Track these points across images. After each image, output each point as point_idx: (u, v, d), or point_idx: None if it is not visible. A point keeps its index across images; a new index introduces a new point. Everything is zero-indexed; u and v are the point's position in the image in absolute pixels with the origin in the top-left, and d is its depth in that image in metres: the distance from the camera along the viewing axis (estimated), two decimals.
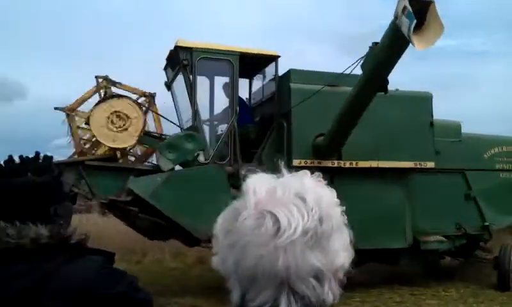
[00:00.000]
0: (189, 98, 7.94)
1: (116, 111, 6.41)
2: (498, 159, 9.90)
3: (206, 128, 8.51)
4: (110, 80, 7.12)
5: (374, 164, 8.30)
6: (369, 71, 6.22)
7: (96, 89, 7.15)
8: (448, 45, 43.32)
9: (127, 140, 6.26)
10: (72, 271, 1.38)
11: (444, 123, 9.83)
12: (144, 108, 7.18)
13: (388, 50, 5.75)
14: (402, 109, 8.57)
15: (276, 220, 0.92)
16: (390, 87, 8.78)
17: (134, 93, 7.47)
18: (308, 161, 7.96)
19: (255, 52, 8.43)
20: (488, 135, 10.31)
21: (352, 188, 8.17)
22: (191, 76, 7.89)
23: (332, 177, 8.07)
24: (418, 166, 8.58)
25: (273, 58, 8.58)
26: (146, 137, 6.52)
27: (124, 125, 6.34)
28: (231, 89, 8.23)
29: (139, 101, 7.39)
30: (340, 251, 0.97)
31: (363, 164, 8.26)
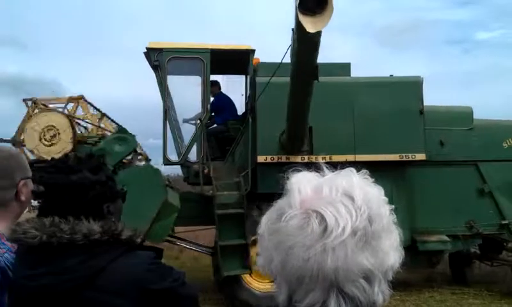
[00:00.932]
0: (162, 98, 8.09)
1: (45, 127, 6.74)
2: None
3: (185, 127, 8.61)
4: (36, 100, 7.46)
5: (350, 157, 7.71)
6: (292, 58, 5.83)
7: (29, 113, 7.52)
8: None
9: (64, 147, 6.54)
10: (122, 266, 1.42)
11: (451, 109, 8.87)
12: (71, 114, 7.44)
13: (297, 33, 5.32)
14: (387, 96, 7.87)
15: (323, 220, 0.90)
16: (385, 73, 8.16)
17: (61, 102, 7.77)
18: (275, 157, 7.65)
19: (227, 48, 8.30)
20: (509, 120, 9.05)
21: None
22: (162, 76, 8.03)
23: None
24: (405, 159, 7.81)
25: (248, 52, 8.38)
26: (79, 145, 6.74)
27: (56, 135, 6.65)
28: (202, 87, 8.20)
29: (70, 106, 7.69)
30: (390, 251, 0.95)
31: (337, 158, 7.70)
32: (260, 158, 7.62)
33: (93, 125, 7.89)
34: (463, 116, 8.64)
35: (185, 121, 8.65)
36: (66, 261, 1.38)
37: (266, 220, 1.00)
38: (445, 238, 8.18)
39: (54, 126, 6.64)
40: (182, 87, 8.58)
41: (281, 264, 0.94)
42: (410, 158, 7.79)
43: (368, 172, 1.01)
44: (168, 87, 8.07)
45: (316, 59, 5.75)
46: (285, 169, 1.03)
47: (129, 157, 7.20)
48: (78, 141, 6.79)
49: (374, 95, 7.86)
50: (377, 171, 6.33)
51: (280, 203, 0.99)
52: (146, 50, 8.12)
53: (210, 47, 8.18)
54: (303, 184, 0.97)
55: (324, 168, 1.02)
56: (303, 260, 0.90)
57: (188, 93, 8.64)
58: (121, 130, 7.37)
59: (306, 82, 6.09)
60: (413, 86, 7.99)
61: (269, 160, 7.63)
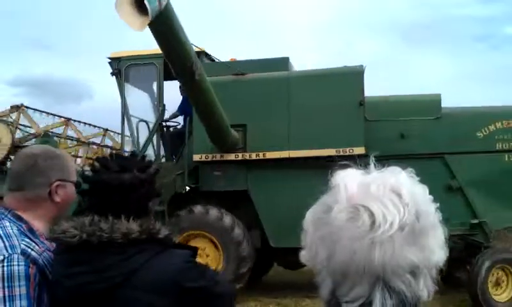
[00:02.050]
0: (121, 103, 8.71)
1: None
2: (500, 137, 7.58)
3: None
4: None
5: (284, 154, 7.54)
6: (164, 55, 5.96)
7: None
8: None
9: (3, 151, 7.45)
10: (159, 264, 1.45)
11: (416, 98, 8.12)
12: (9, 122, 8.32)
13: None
14: (324, 89, 7.53)
15: (371, 214, 0.93)
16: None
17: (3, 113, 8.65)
18: (210, 155, 7.79)
19: None
20: (485, 107, 7.98)
21: (271, 182, 7.73)
22: (121, 83, 8.65)
23: (248, 171, 7.79)
24: (342, 153, 7.36)
25: (198, 55, 8.58)
26: (16, 148, 7.58)
27: None
28: (157, 91, 8.64)
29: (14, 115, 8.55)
30: (436, 248, 0.97)
31: (271, 155, 7.61)
32: (196, 157, 7.84)
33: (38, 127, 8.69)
34: (429, 105, 7.86)
35: (168, 120, 9.02)
36: (105, 259, 1.42)
37: (311, 215, 1.03)
38: None
39: None
40: (139, 92, 9.09)
41: (327, 257, 0.96)
42: (348, 153, 7.33)
43: (413, 170, 1.03)
44: (125, 93, 8.64)
45: (187, 57, 5.79)
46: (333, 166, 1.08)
47: None
48: (16, 146, 7.70)
49: (311, 89, 7.58)
50: (319, 166, 6.18)
51: (325, 199, 1.02)
52: (109, 60, 8.82)
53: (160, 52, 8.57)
54: (349, 180, 0.99)
55: (372, 166, 1.04)
56: (349, 253, 0.92)
57: (145, 97, 9.14)
58: (45, 135, 8.15)
59: (189, 81, 6.17)
60: (353, 77, 7.51)
61: (203, 158, 7.81)
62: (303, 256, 1.03)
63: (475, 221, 7.47)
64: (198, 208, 7.46)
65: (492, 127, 7.60)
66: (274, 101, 7.63)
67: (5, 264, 1.48)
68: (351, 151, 7.36)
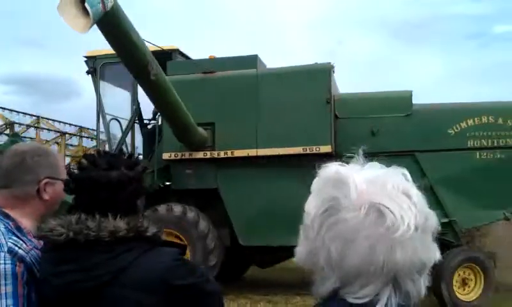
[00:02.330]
0: (96, 101, 8.79)
1: None
2: (472, 134, 7.45)
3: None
4: None
5: (252, 152, 7.53)
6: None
7: None
8: None
9: None
10: (148, 262, 1.44)
11: (387, 95, 8.02)
12: None
13: None
14: (291, 87, 7.48)
15: (389, 215, 0.93)
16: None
17: None
18: (179, 154, 7.81)
19: (153, 49, 8.63)
20: (457, 104, 7.84)
21: (240, 180, 7.73)
22: (97, 81, 8.73)
23: (217, 169, 7.79)
24: (309, 152, 7.32)
25: (170, 53, 8.60)
26: None
27: None
28: (132, 89, 8.69)
29: None
30: (433, 246, 0.99)
31: (239, 153, 7.60)
32: (165, 155, 7.87)
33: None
34: (399, 102, 7.77)
35: (151, 119, 9.05)
36: (93, 258, 1.41)
37: (315, 210, 1.00)
38: None
39: None
40: (115, 91, 9.14)
41: (339, 256, 0.94)
42: (314, 151, 7.30)
43: (406, 169, 1.05)
44: (100, 91, 8.71)
45: (141, 57, 5.80)
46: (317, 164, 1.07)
47: None
48: None
49: (279, 86, 7.55)
50: (289, 164, 6.17)
51: (329, 193, 0.99)
52: (85, 59, 8.90)
53: None
54: (356, 176, 0.98)
55: (378, 163, 1.05)
56: (368, 254, 0.92)
57: (121, 95, 9.19)
58: (14, 134, 8.25)
59: (147, 83, 6.20)
60: (320, 75, 7.45)
61: (173, 157, 7.84)
62: (300, 252, 1.01)
63: (445, 220, 7.35)
64: (161, 207, 7.50)
65: (464, 124, 7.48)
66: (242, 99, 7.62)
67: None
68: (317, 149, 7.32)
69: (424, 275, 0.97)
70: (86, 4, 4.87)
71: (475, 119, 7.45)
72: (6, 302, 1.44)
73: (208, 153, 7.70)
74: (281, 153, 7.41)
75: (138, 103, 8.74)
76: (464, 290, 7.06)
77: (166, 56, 8.62)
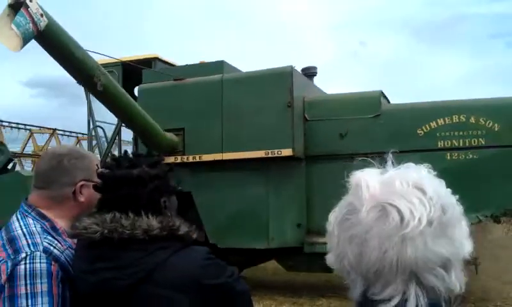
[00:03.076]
0: (87, 109, 9.32)
1: None
2: (442, 134, 7.12)
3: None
4: None
5: (218, 156, 7.66)
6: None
7: None
8: None
9: None
10: (180, 261, 1.46)
11: (355, 96, 7.86)
12: None
13: None
14: (253, 91, 7.52)
15: (398, 212, 0.94)
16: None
17: None
18: None
19: (135, 58, 8.99)
20: (427, 103, 7.47)
21: (209, 184, 7.92)
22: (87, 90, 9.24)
23: (191, 174, 8.02)
24: (271, 155, 7.32)
25: (150, 61, 8.93)
26: None
27: None
28: None
29: None
30: (463, 240, 0.99)
31: (206, 158, 7.75)
32: None
33: None
34: (367, 102, 7.57)
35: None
36: (127, 256, 1.44)
37: (335, 217, 1.04)
38: None
39: None
40: None
41: (356, 258, 0.97)
42: (276, 155, 7.29)
43: (430, 165, 1.06)
44: (91, 99, 9.21)
45: (85, 70, 6.11)
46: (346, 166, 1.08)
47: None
48: None
49: (242, 91, 7.61)
50: (253, 168, 6.51)
51: (347, 200, 1.03)
52: None
53: (120, 60, 9.02)
54: (370, 179, 1.01)
55: (389, 164, 1.07)
56: (380, 252, 0.93)
57: None
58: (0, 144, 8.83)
59: (96, 93, 6.51)
60: (280, 78, 7.39)
61: None
62: (329, 258, 1.05)
63: None
64: None
65: (433, 124, 7.15)
66: (208, 104, 7.76)
67: (27, 261, 1.51)
68: (279, 152, 7.31)
69: (455, 269, 0.96)
70: (13, 26, 5.27)
71: (446, 118, 7.10)
72: (42, 300, 1.47)
73: (179, 157, 7.93)
74: (245, 157, 7.47)
75: None
76: None
77: (145, 64, 8.98)
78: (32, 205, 1.70)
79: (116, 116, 7.26)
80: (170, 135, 7.75)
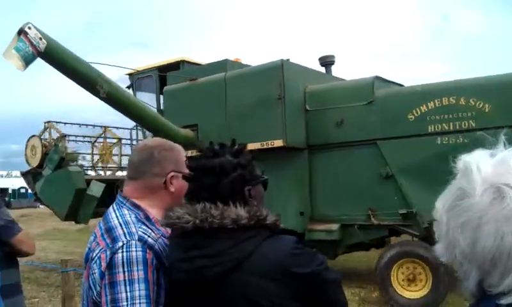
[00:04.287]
0: None
1: (31, 146, 10.36)
2: (432, 118, 6.84)
3: None
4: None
5: None
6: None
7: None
8: None
9: (38, 158, 10.06)
10: (268, 250, 1.47)
11: (350, 83, 7.85)
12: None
13: None
14: (249, 86, 7.94)
15: (510, 193, 0.88)
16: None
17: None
18: None
19: (166, 63, 9.95)
20: (418, 86, 7.15)
21: None
22: (134, 92, 10.48)
23: None
24: (265, 146, 7.66)
25: (179, 64, 9.78)
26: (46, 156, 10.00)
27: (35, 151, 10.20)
28: (157, 99, 10.18)
29: None
30: None
31: None
32: None
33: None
34: (361, 90, 7.53)
35: None
36: (218, 244, 1.47)
37: (443, 204, 0.98)
38: (333, 227, 7.51)
39: (34, 146, 10.31)
40: (147, 100, 10.71)
41: (469, 246, 0.91)
42: (269, 146, 7.64)
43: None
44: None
45: (88, 80, 7.15)
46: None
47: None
48: (45, 153, 10.16)
49: (241, 87, 8.05)
50: (260, 160, 7.75)
51: (456, 184, 0.98)
52: (128, 75, 10.72)
53: (157, 65, 10.07)
54: (480, 161, 0.96)
55: (501, 144, 1.00)
56: (497, 237, 0.87)
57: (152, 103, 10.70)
58: (55, 145, 10.27)
59: (99, 98, 7.47)
60: (272, 72, 7.67)
61: None
62: (438, 249, 0.99)
63: (403, 211, 6.94)
64: None
65: (424, 108, 6.90)
66: (215, 101, 8.36)
67: (124, 250, 1.56)
68: (272, 144, 7.65)
69: None
70: (13, 51, 6.49)
71: (436, 101, 6.81)
72: (139, 286, 1.52)
73: (194, 151, 8.66)
74: (249, 149, 7.95)
75: (161, 110, 10.19)
76: (409, 285, 6.61)
77: (174, 67, 9.86)
78: (126, 196, 1.76)
79: (127, 117, 8.23)
80: (185, 131, 8.52)
